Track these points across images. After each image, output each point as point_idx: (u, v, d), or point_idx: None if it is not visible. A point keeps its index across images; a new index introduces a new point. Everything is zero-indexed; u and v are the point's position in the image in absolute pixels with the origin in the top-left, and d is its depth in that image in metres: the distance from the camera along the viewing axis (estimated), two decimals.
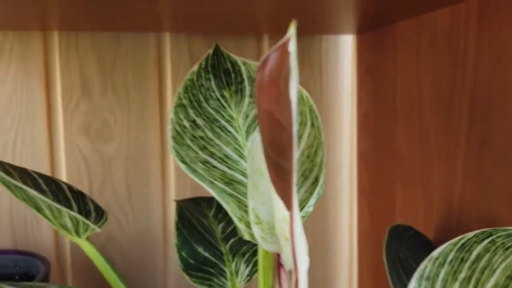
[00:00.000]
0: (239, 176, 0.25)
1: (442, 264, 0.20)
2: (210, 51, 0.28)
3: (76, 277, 0.53)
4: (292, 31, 0.17)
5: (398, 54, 0.46)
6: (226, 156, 0.25)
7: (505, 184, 0.34)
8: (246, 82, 0.27)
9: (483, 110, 0.35)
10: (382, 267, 0.53)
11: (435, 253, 0.20)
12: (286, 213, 0.21)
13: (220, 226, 0.34)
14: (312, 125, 0.24)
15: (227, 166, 0.25)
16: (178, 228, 0.32)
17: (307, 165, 0.25)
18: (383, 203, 0.51)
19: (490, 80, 0.34)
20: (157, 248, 0.55)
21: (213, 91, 0.27)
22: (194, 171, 0.23)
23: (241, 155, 0.25)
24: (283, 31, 0.53)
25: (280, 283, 0.24)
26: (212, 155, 0.24)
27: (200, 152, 0.24)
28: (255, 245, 0.32)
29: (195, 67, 0.27)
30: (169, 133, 0.24)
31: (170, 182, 0.55)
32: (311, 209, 0.24)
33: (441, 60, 0.40)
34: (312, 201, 0.24)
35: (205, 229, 0.32)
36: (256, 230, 0.23)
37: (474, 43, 0.36)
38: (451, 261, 0.20)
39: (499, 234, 0.19)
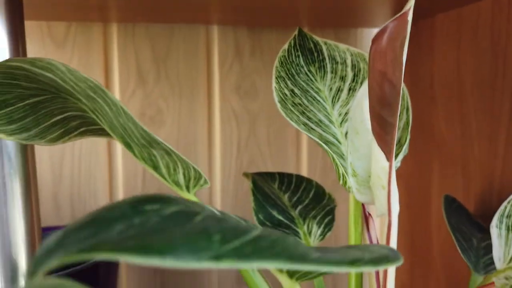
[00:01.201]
0: (331, 138, 0.28)
1: None
2: (296, 32, 0.32)
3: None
4: (411, 2, 0.21)
5: (437, 44, 0.50)
6: (320, 121, 0.29)
7: None
8: (327, 60, 0.31)
9: None
10: (417, 250, 0.56)
11: None
12: (386, 164, 0.25)
13: (286, 195, 0.37)
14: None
15: (321, 129, 0.28)
16: (254, 194, 0.36)
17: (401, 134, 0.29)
18: (419, 186, 0.54)
19: None
20: None
21: (302, 67, 0.30)
22: (300, 127, 0.27)
23: (331, 121, 0.29)
24: (322, 23, 0.56)
25: (368, 229, 0.28)
26: (309, 119, 0.28)
27: (300, 116, 0.28)
28: (325, 209, 0.35)
29: (286, 46, 0.31)
30: (275, 98, 0.28)
31: (216, 167, 0.58)
32: (398, 164, 0.28)
33: (482, 50, 0.44)
34: (398, 158, 0.27)
35: (276, 196, 0.35)
36: (352, 181, 0.27)
37: None
38: None
39: None
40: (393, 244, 0.26)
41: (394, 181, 0.25)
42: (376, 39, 0.22)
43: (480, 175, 0.45)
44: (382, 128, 0.24)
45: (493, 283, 0.22)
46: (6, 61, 0.24)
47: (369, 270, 0.12)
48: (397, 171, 0.59)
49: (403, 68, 0.22)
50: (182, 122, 0.57)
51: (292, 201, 0.37)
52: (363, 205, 0.29)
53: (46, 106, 0.28)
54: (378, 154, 0.25)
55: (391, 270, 0.25)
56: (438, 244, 0.51)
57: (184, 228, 0.11)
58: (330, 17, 0.51)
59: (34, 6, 0.44)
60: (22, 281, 0.33)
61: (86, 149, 0.55)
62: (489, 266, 0.33)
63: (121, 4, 0.43)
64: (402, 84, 0.29)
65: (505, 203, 0.24)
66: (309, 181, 0.38)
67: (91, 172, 0.55)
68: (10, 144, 0.33)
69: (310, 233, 0.33)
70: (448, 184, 0.49)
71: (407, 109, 0.28)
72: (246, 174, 0.40)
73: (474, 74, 0.45)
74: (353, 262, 0.12)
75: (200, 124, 0.58)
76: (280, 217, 0.34)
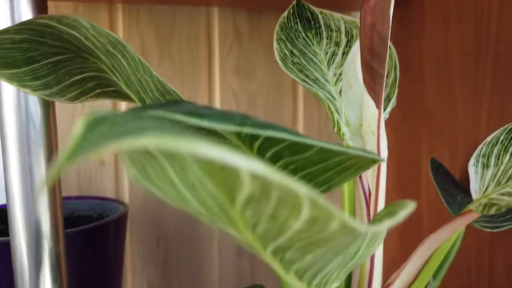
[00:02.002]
0: (326, 94, 0.31)
1: (495, 144, 0.27)
2: (294, 2, 0.35)
3: (133, 229, 0.60)
4: None
5: (426, 25, 0.53)
6: (317, 79, 0.32)
7: None
8: (323, 28, 0.34)
9: (505, 71, 0.42)
10: (407, 226, 0.59)
11: (488, 138, 0.27)
12: (375, 110, 0.28)
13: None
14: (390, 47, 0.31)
15: (318, 86, 0.31)
16: None
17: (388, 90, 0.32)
18: (409, 161, 0.58)
19: (510, 30, 0.42)
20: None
21: (300, 32, 0.33)
22: (301, 82, 0.30)
23: (326, 80, 0.32)
24: (320, 5, 0.59)
25: (360, 176, 0.31)
26: (307, 76, 0.31)
27: (299, 74, 0.31)
28: None
29: (285, 13, 0.34)
30: (277, 57, 0.31)
31: None
32: (386, 116, 0.31)
33: (467, 27, 0.47)
34: (387, 110, 0.30)
35: None
36: (346, 130, 0.30)
37: (497, 9, 0.43)
38: (502, 141, 0.26)
39: None
40: (382, 184, 0.29)
41: (383, 127, 0.28)
42: None
43: (465, 143, 0.48)
44: (372, 78, 0.27)
45: (471, 210, 0.25)
46: (36, 18, 0.27)
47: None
48: (388, 145, 0.63)
49: (390, 21, 0.25)
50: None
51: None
52: None
53: (67, 65, 0.31)
54: (368, 102, 0.28)
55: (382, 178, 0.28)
56: (428, 211, 0.54)
57: (215, 110, 0.14)
58: (327, 1, 0.54)
59: None
60: (45, 245, 0.36)
61: None
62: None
63: None
64: (391, 47, 0.32)
65: (481, 145, 0.27)
66: None
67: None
68: (35, 113, 0.35)
69: None
70: (436, 153, 0.52)
71: (395, 67, 0.31)
72: None
73: (460, 50, 0.48)
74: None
75: (201, 103, 0.60)
76: None
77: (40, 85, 0.31)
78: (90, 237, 0.42)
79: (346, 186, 0.32)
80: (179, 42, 0.59)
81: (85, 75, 0.32)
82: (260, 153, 0.19)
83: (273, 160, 0.19)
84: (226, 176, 0.11)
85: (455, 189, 0.42)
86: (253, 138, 0.18)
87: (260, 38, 0.62)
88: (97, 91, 0.34)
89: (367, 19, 0.25)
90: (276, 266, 0.15)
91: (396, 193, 0.61)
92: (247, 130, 0.13)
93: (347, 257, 0.16)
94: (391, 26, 0.61)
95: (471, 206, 0.25)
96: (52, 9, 0.56)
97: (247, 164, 0.09)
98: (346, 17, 0.35)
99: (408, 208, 0.13)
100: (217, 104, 0.61)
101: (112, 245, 0.44)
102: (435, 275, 0.32)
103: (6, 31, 0.27)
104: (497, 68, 0.44)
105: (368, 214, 0.29)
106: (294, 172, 0.20)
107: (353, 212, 0.32)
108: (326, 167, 0.19)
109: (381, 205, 0.29)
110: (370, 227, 0.11)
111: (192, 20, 0.60)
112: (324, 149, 0.15)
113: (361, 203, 0.30)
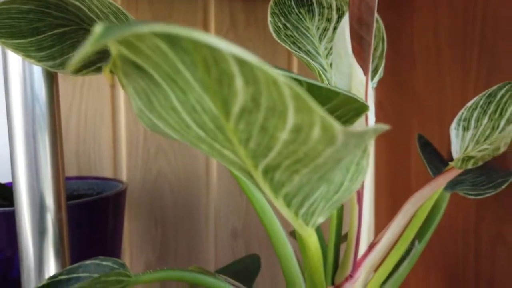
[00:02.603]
0: (318, 66, 0.33)
1: (474, 109, 0.28)
2: None
3: (131, 209, 0.61)
4: None
5: (416, 10, 0.55)
6: (309, 51, 0.33)
7: None
8: (315, 5, 0.36)
9: (490, 54, 0.44)
10: (398, 203, 0.61)
11: (469, 103, 0.29)
12: (363, 77, 0.29)
13: None
14: (376, 21, 0.33)
15: (310, 59, 0.33)
16: None
17: (376, 62, 0.33)
18: (400, 143, 0.59)
19: (497, 26, 0.43)
20: (201, 184, 0.63)
21: (293, 8, 0.35)
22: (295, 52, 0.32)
23: (318, 53, 0.34)
24: None
25: None
26: (299, 49, 0.33)
27: (292, 45, 0.33)
28: None
29: None
30: (271, 29, 0.33)
31: None
32: (374, 85, 0.32)
33: (456, 12, 0.49)
34: (375, 80, 0.32)
35: None
36: None
37: None
38: (481, 105, 0.28)
39: None
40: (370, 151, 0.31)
41: (370, 93, 0.30)
42: None
43: None
44: (360, 46, 0.29)
45: (452, 167, 0.27)
46: None
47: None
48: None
49: None
50: None
51: None
52: None
53: (71, 37, 0.33)
54: (357, 70, 0.30)
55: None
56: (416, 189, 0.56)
57: None
58: None
59: None
60: (48, 216, 0.37)
61: (92, 108, 0.59)
62: (455, 186, 0.38)
63: None
64: (379, 20, 0.33)
65: (462, 110, 0.29)
66: None
67: (96, 129, 0.59)
68: (40, 90, 0.36)
69: None
70: (426, 133, 0.54)
71: (383, 40, 0.33)
72: None
73: (449, 34, 0.50)
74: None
75: None
76: None
77: (45, 56, 0.32)
78: (90, 210, 0.43)
79: None
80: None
81: None
82: None
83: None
84: (221, 89, 0.12)
85: (441, 164, 0.44)
86: None
87: (256, 27, 0.63)
88: (99, 64, 0.36)
89: None
90: (266, 189, 0.17)
91: (387, 173, 0.63)
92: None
93: (332, 188, 0.18)
94: (383, 10, 0.63)
95: (452, 163, 0.27)
96: None
97: (237, 50, 0.10)
98: None
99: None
100: None
101: (111, 219, 0.46)
102: (420, 238, 0.34)
103: (14, 0, 0.29)
104: (484, 49, 0.46)
105: None
106: None
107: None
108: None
109: (369, 170, 0.31)
110: (345, 128, 0.12)
111: (189, 8, 0.61)
112: (311, 84, 0.17)
113: None
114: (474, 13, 0.46)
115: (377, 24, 0.33)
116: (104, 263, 0.27)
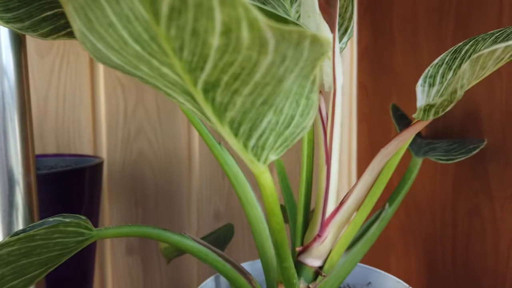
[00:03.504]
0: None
1: (440, 65, 0.28)
2: None
3: (111, 189, 0.61)
4: None
5: None
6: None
7: (486, 79, 0.42)
8: None
9: (465, 24, 0.44)
10: None
11: (436, 60, 0.29)
12: (330, 35, 0.29)
13: None
14: None
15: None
16: None
17: (339, 21, 0.33)
18: (381, 121, 0.59)
19: None
20: (183, 166, 0.63)
21: None
22: None
23: (289, 16, 0.34)
24: None
25: (319, 104, 0.32)
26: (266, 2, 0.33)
27: (262, 6, 0.32)
28: None
29: None
30: None
31: None
32: (344, 45, 0.32)
33: None
34: (344, 39, 0.32)
35: None
36: None
37: None
38: (447, 61, 0.28)
39: (480, 36, 0.27)
40: (338, 111, 0.31)
41: (338, 52, 0.30)
42: None
43: None
44: (326, 2, 0.28)
45: (417, 121, 0.27)
46: None
47: None
48: (360, 112, 0.64)
49: None
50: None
51: None
52: None
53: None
54: (324, 27, 0.29)
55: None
56: (398, 174, 0.56)
57: None
58: None
59: None
60: (17, 187, 0.37)
61: (70, 88, 0.59)
62: (427, 152, 0.38)
63: None
64: None
65: (428, 67, 0.29)
66: None
67: (75, 109, 0.59)
68: (8, 66, 0.36)
69: None
70: (405, 110, 0.54)
71: (352, 2, 0.33)
72: None
73: (426, 8, 0.50)
74: None
75: None
76: None
77: (12, 18, 0.32)
78: (66, 181, 0.43)
79: None
80: None
81: (55, 11, 0.33)
82: None
83: None
84: None
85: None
86: None
87: None
88: (69, 29, 0.35)
89: None
90: (210, 113, 0.16)
91: (368, 151, 0.63)
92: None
93: (281, 120, 0.18)
94: None
95: (415, 115, 0.27)
96: None
97: None
98: None
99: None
100: None
101: (87, 192, 0.45)
102: (391, 202, 0.34)
103: None
104: (458, 20, 0.46)
105: (325, 137, 0.31)
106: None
107: (311, 141, 0.33)
108: None
109: (337, 127, 0.31)
110: (273, 23, 0.12)
111: None
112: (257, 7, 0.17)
113: (318, 128, 0.31)
114: None
115: None
116: (67, 219, 0.26)
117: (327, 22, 0.29)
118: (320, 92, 0.33)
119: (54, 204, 0.43)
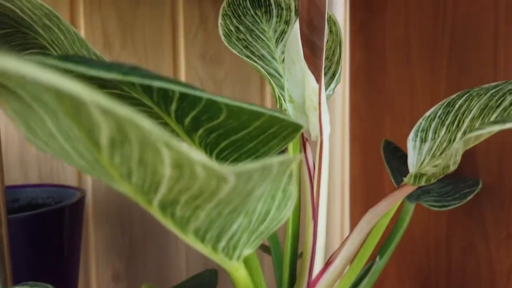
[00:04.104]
0: (273, 71, 0.31)
1: (433, 119, 0.27)
2: None
3: (97, 217, 0.59)
4: None
5: (388, 10, 0.53)
6: (263, 55, 0.31)
7: None
8: (273, 6, 0.34)
9: (460, 49, 0.43)
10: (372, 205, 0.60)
11: (428, 113, 0.27)
12: (316, 85, 0.27)
13: None
14: (331, 31, 0.31)
15: (263, 63, 0.31)
16: None
17: (326, 64, 0.31)
18: (373, 143, 0.58)
19: (466, 22, 0.42)
20: None
21: (249, 9, 0.33)
22: (244, 57, 0.30)
23: (273, 57, 0.32)
24: None
25: (305, 152, 0.31)
26: (252, 53, 0.31)
27: (243, 49, 0.30)
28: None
29: None
30: (220, 32, 0.31)
31: None
32: (331, 92, 0.30)
33: (426, 9, 0.47)
34: (331, 86, 0.30)
35: None
36: (289, 107, 0.30)
37: None
38: (440, 115, 0.26)
39: (475, 90, 0.26)
40: (325, 163, 0.29)
41: (324, 102, 0.28)
42: None
43: None
44: (311, 52, 0.27)
45: (405, 184, 0.25)
46: None
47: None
48: (353, 134, 0.63)
49: None
50: None
51: None
52: (301, 132, 0.31)
53: (9, 41, 0.30)
54: (309, 77, 0.28)
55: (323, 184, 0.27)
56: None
57: (106, 62, 0.14)
58: None
59: None
60: None
61: None
62: (419, 197, 0.36)
63: None
64: (336, 23, 0.32)
65: (420, 120, 0.27)
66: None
67: None
68: None
69: None
70: (398, 135, 0.53)
71: (340, 45, 0.31)
72: None
73: (419, 34, 0.48)
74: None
75: None
76: None
77: None
78: (42, 223, 0.41)
79: None
80: (143, 26, 0.58)
81: (28, 52, 0.31)
82: (179, 119, 0.19)
83: (194, 128, 0.19)
84: (82, 117, 0.10)
85: (403, 166, 0.42)
86: (166, 101, 0.18)
87: None
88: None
89: None
90: (170, 225, 0.15)
91: (361, 175, 0.61)
92: (133, 79, 0.13)
93: (255, 219, 0.16)
94: (356, 8, 0.61)
95: (405, 180, 0.25)
96: None
97: (74, 87, 0.08)
98: None
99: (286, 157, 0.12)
100: None
101: (66, 231, 0.44)
102: (381, 254, 0.32)
103: None
104: (453, 51, 0.44)
105: (312, 191, 0.29)
106: (217, 140, 0.20)
107: (297, 189, 0.31)
108: (249, 134, 0.19)
109: (324, 181, 0.29)
110: (234, 168, 0.10)
111: (157, 4, 0.59)
112: (234, 106, 0.15)
113: (305, 180, 0.29)
114: (444, 13, 0.44)
115: (335, 27, 0.31)
116: None
117: (312, 72, 0.27)
118: (307, 140, 0.31)
119: (30, 247, 0.41)
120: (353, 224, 0.64)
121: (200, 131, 0.19)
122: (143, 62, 0.58)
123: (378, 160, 0.57)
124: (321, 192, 0.29)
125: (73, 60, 0.12)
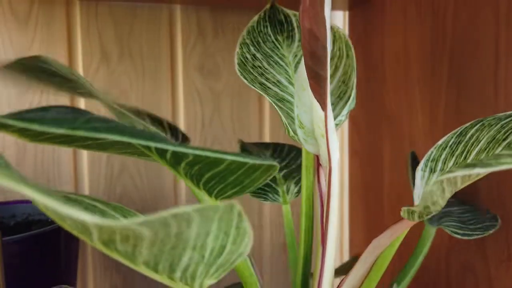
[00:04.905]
0: (288, 97, 0.31)
1: (444, 148, 0.27)
2: (268, 5, 0.34)
3: None
4: None
5: (386, 24, 0.54)
6: (279, 81, 0.31)
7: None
8: (296, 30, 0.34)
9: (460, 64, 0.43)
10: (372, 222, 0.60)
11: (440, 141, 0.27)
12: (321, 113, 0.27)
13: (276, 161, 0.40)
14: (347, 55, 0.31)
15: (279, 89, 0.31)
16: None
17: (342, 88, 0.32)
18: (372, 160, 0.58)
19: (466, 37, 0.42)
20: (169, 205, 0.60)
21: (269, 36, 0.33)
22: (254, 85, 0.29)
23: (290, 82, 0.32)
24: (283, 4, 0.59)
25: (319, 178, 0.31)
26: (267, 80, 0.31)
27: (258, 77, 0.30)
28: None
29: (255, 18, 0.34)
30: (235, 61, 0.30)
31: None
32: (343, 118, 0.30)
33: (424, 27, 0.47)
34: (344, 112, 0.30)
35: None
36: (300, 133, 0.30)
37: (453, 5, 0.43)
38: (451, 145, 0.26)
39: (488, 119, 0.26)
40: (335, 188, 0.29)
41: (331, 129, 0.28)
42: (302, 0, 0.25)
43: (424, 142, 0.48)
44: (315, 81, 0.27)
45: (403, 218, 0.25)
46: None
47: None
48: (352, 149, 0.63)
49: (328, 24, 0.25)
50: (146, 97, 0.58)
51: (280, 165, 0.40)
52: (316, 156, 0.31)
53: None
54: (315, 105, 0.28)
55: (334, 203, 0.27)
56: (391, 212, 0.55)
57: (61, 115, 0.15)
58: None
59: None
60: None
61: None
62: (441, 219, 0.36)
63: None
64: (351, 48, 0.31)
65: (432, 149, 0.27)
66: (299, 150, 0.41)
67: (55, 146, 0.56)
68: None
69: (288, 191, 0.36)
70: (397, 152, 0.53)
71: (354, 70, 0.31)
72: (240, 140, 0.43)
73: (418, 49, 0.49)
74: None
75: (164, 102, 0.59)
76: None
77: None
78: (40, 241, 0.40)
79: (304, 189, 0.31)
80: (140, 37, 0.58)
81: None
82: (173, 164, 0.19)
83: (176, 161, 0.19)
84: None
85: None
86: (162, 151, 0.18)
87: (224, 37, 0.61)
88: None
89: (305, 24, 0.25)
90: (119, 258, 0.15)
91: (360, 191, 0.62)
92: (81, 133, 0.13)
93: (207, 253, 0.16)
94: (355, 21, 0.61)
95: (402, 213, 0.25)
96: (5, 5, 0.54)
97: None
98: None
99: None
100: (181, 105, 0.60)
101: (63, 247, 0.43)
102: (399, 280, 0.32)
103: None
104: (453, 67, 0.44)
105: (322, 216, 0.29)
106: (200, 172, 0.20)
107: (310, 215, 0.31)
108: (229, 168, 0.19)
109: (333, 207, 0.29)
110: (103, 219, 0.11)
111: (154, 16, 0.58)
112: (213, 158, 0.15)
113: (317, 206, 0.29)
114: (443, 27, 0.45)
115: (351, 52, 0.31)
116: None
117: (318, 101, 0.27)
118: (321, 165, 0.31)
119: (26, 263, 0.40)
120: (352, 244, 0.64)
121: (182, 164, 0.19)
122: (140, 74, 0.58)
123: (377, 175, 0.57)
124: (330, 218, 0.29)
125: (30, 119, 0.13)
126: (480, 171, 0.18)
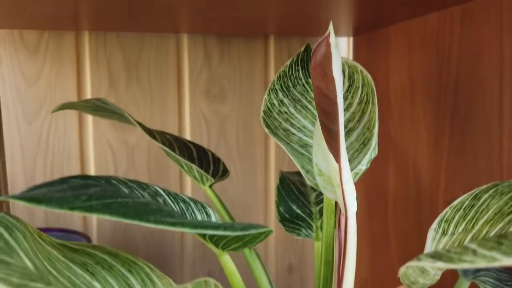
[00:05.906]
0: (311, 142, 0.32)
1: (458, 210, 0.27)
2: (302, 48, 0.35)
3: None
4: (331, 27, 0.24)
5: (391, 53, 0.55)
6: (304, 126, 0.32)
7: (487, 160, 0.42)
8: None
9: (465, 97, 0.44)
10: (378, 251, 0.61)
11: (455, 202, 0.28)
12: (336, 165, 0.28)
13: (315, 194, 0.41)
14: (373, 102, 0.32)
15: (303, 134, 0.32)
16: (278, 190, 0.39)
17: (366, 135, 0.32)
18: (378, 189, 0.59)
19: (471, 71, 0.43)
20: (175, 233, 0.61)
21: (300, 79, 0.34)
22: (275, 135, 0.30)
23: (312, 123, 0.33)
24: (287, 32, 0.60)
25: (339, 224, 0.31)
26: (292, 125, 0.32)
27: (283, 122, 0.31)
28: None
29: (288, 62, 0.34)
30: (262, 108, 0.31)
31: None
32: (364, 167, 0.31)
33: (430, 56, 0.49)
34: (365, 160, 0.31)
35: (301, 193, 0.39)
36: (319, 180, 0.31)
37: (458, 40, 0.45)
38: (465, 207, 0.27)
39: (504, 184, 0.26)
40: (352, 238, 0.30)
41: (347, 181, 0.28)
42: (311, 58, 0.25)
43: (428, 169, 0.50)
44: (328, 135, 0.27)
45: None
46: None
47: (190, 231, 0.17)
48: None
49: (338, 82, 0.25)
50: (154, 126, 0.59)
51: (318, 198, 0.41)
52: (336, 203, 0.32)
53: None
54: (330, 156, 0.28)
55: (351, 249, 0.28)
56: (395, 239, 0.56)
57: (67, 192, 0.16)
58: (295, 26, 0.55)
59: (5, 15, 0.45)
60: None
61: (59, 149, 0.56)
62: (477, 273, 0.35)
63: (93, 14, 0.44)
64: (375, 95, 0.32)
65: (447, 208, 0.27)
66: None
67: (63, 172, 0.56)
68: None
69: (321, 227, 0.37)
70: (402, 182, 0.54)
71: (376, 119, 0.32)
72: (280, 171, 0.43)
73: (423, 78, 0.50)
74: (173, 224, 0.17)
75: (171, 128, 0.60)
76: (299, 211, 0.38)
77: None
78: None
79: (324, 235, 0.32)
80: (148, 64, 0.58)
81: None
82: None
83: None
84: None
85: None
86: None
87: (230, 62, 0.62)
88: None
89: (315, 82, 0.26)
90: None
91: (365, 220, 0.63)
92: (79, 212, 0.15)
93: None
94: (359, 50, 0.63)
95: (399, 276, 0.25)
96: (16, 36, 0.54)
97: None
98: (350, 60, 0.35)
99: None
100: (187, 129, 0.61)
101: None
102: None
103: None
104: (458, 99, 0.45)
105: (339, 264, 0.30)
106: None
107: (330, 261, 0.32)
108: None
109: (350, 258, 0.29)
110: None
111: (161, 43, 0.59)
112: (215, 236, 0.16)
113: (335, 254, 0.30)
114: (449, 57, 0.46)
115: (374, 100, 0.32)
116: None
117: (332, 153, 0.28)
118: (340, 212, 0.32)
119: None
120: (357, 273, 0.65)
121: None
122: (148, 98, 0.58)
123: (382, 203, 0.58)
124: (347, 268, 0.30)
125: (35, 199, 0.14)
126: (442, 266, 0.17)
